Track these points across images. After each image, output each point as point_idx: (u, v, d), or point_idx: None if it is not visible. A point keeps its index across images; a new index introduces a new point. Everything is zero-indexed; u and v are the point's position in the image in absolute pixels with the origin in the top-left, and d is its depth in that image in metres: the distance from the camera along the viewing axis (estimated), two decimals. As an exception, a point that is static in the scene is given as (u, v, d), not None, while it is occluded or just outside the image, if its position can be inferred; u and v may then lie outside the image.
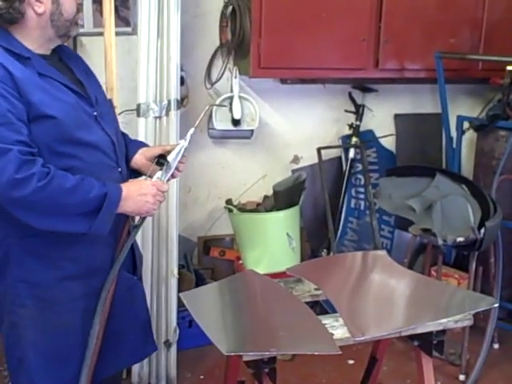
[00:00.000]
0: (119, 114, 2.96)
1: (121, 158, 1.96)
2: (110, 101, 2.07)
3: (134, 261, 2.05)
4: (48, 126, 1.71)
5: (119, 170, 1.92)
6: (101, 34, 2.91)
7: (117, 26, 3.02)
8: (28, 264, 1.79)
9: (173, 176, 1.95)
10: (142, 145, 2.14)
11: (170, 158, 1.90)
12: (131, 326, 1.98)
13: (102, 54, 2.88)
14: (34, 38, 1.79)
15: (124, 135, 2.11)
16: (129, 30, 3.17)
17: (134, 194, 1.79)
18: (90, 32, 3.11)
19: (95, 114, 1.86)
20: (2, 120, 1.62)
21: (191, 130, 1.99)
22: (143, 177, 1.97)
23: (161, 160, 1.90)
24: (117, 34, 2.99)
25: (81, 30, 3.05)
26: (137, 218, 1.97)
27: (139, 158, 2.04)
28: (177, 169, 1.94)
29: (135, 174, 2.05)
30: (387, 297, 1.95)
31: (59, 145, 1.73)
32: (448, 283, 3.35)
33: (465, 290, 2.24)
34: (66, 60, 1.91)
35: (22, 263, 1.79)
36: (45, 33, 1.79)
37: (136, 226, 1.91)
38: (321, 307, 3.14)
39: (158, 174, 1.89)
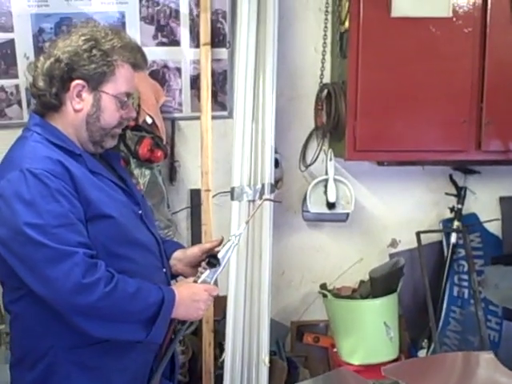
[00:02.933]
0: (213, 196, 3.00)
1: (164, 258, 1.87)
2: (144, 197, 2.00)
3: (172, 366, 1.92)
4: (106, 226, 1.63)
5: (164, 270, 1.84)
6: (198, 118, 2.99)
7: (214, 110, 3.11)
8: (75, 378, 1.66)
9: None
10: (175, 247, 2.00)
11: (219, 256, 1.77)
12: None
13: (199, 137, 2.95)
14: (70, 134, 1.72)
15: None
16: (225, 113, 3.22)
17: (187, 300, 1.69)
18: (187, 116, 3.18)
19: (140, 212, 1.80)
20: (64, 221, 1.54)
21: (242, 226, 1.90)
22: (191, 278, 1.80)
23: (212, 260, 1.76)
24: (213, 117, 3.08)
25: (179, 115, 3.18)
26: None
27: (174, 264, 1.92)
28: None
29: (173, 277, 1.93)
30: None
31: (116, 246, 1.66)
32: None
33: None
34: (106, 157, 1.86)
35: (69, 377, 1.65)
36: (78, 133, 1.72)
37: (179, 330, 1.77)
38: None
39: (206, 274, 1.75)
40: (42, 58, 1.71)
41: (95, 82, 1.68)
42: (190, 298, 1.69)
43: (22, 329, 1.71)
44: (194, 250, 1.91)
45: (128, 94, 1.74)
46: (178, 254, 1.94)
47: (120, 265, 1.64)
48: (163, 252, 1.87)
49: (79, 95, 1.68)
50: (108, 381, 1.70)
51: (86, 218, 1.61)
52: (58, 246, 1.51)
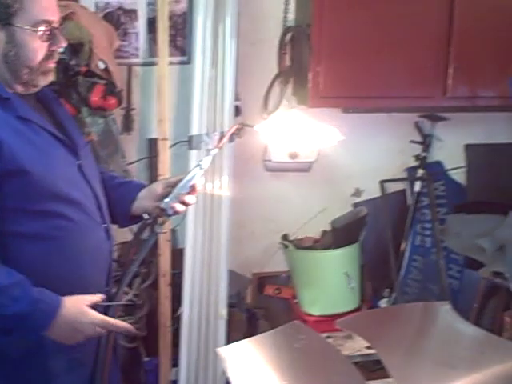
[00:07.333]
0: (172, 145, 2.90)
1: (105, 212, 1.73)
2: (89, 145, 1.86)
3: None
4: (25, 181, 1.49)
5: (104, 226, 1.71)
6: (156, 63, 2.86)
7: (173, 55, 2.99)
8: None
9: (176, 213, 1.68)
10: (140, 187, 1.85)
11: (168, 198, 1.67)
12: None
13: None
14: None
15: (114, 178, 1.89)
16: (184, 59, 3.09)
17: (68, 326, 1.48)
18: (144, 62, 3.04)
19: (79, 162, 1.66)
20: None
21: (213, 151, 1.73)
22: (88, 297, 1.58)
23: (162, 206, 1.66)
24: (173, 63, 2.96)
25: (135, 60, 3.04)
26: None
27: (140, 202, 1.79)
28: (183, 203, 1.68)
29: (139, 219, 1.77)
30: (448, 361, 1.73)
31: (40, 202, 1.52)
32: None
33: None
34: (44, 101, 1.70)
35: None
36: (1, 75, 1.54)
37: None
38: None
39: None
40: None
41: (2, 16, 1.49)
42: (72, 325, 1.49)
43: None
44: (159, 185, 1.78)
45: (48, 22, 1.55)
46: (142, 192, 1.81)
47: (52, 222, 1.54)
48: (104, 206, 1.75)
49: None
50: None
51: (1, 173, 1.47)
52: None
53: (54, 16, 1.57)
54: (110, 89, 2.67)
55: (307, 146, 1.90)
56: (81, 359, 1.65)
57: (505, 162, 3.55)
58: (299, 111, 3.07)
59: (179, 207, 1.68)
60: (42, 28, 1.54)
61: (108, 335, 1.66)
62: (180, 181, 1.69)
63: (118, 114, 2.94)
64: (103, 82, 2.66)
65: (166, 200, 1.67)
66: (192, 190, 1.70)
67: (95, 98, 2.60)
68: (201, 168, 1.70)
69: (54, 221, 1.55)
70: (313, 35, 2.94)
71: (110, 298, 1.68)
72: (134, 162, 3.05)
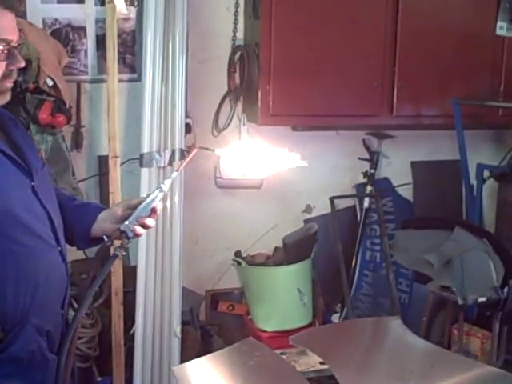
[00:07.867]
0: (123, 163, 2.88)
1: (60, 235, 1.68)
2: (46, 167, 1.81)
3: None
4: None
5: (59, 249, 1.67)
6: (105, 80, 2.85)
7: (123, 72, 2.99)
8: None
9: (136, 235, 1.66)
10: (99, 209, 1.82)
11: (127, 221, 1.64)
12: None
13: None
14: None
15: (73, 200, 1.87)
16: (134, 76, 3.08)
17: None
18: (93, 79, 3.03)
19: (33, 184, 1.61)
20: None
21: (173, 175, 1.70)
22: None
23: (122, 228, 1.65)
24: (122, 80, 2.95)
25: (84, 77, 3.02)
26: None
27: (101, 224, 1.75)
28: (143, 226, 1.66)
29: (98, 241, 1.76)
30: (398, 375, 1.76)
31: None
32: (470, 340, 3.16)
33: (484, 365, 2.04)
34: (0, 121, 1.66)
35: None
36: None
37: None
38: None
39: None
40: None
41: None
42: None
43: None
44: (119, 207, 1.75)
45: (7, 41, 1.51)
46: (102, 214, 1.78)
47: (2, 246, 1.49)
48: (60, 228, 1.70)
49: None
50: None
51: None
52: None
53: (13, 36, 1.54)
54: (59, 106, 2.65)
55: (264, 170, 1.91)
56: (41, 380, 1.61)
57: (449, 178, 3.66)
58: (251, 134, 3.19)
59: (139, 230, 1.66)
60: (0, 47, 1.50)
61: (67, 358, 1.63)
62: (140, 203, 1.68)
63: (67, 131, 2.92)
64: (52, 99, 2.64)
65: (126, 222, 1.65)
66: (152, 212, 1.68)
67: (44, 115, 2.57)
68: (161, 191, 1.68)
69: (4, 245, 1.50)
70: (262, 54, 2.98)
71: (66, 321, 1.65)
72: (83, 180, 3.02)
